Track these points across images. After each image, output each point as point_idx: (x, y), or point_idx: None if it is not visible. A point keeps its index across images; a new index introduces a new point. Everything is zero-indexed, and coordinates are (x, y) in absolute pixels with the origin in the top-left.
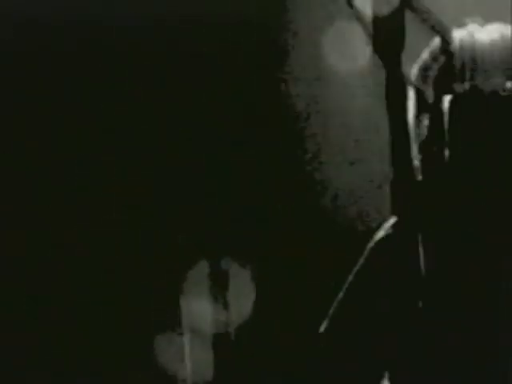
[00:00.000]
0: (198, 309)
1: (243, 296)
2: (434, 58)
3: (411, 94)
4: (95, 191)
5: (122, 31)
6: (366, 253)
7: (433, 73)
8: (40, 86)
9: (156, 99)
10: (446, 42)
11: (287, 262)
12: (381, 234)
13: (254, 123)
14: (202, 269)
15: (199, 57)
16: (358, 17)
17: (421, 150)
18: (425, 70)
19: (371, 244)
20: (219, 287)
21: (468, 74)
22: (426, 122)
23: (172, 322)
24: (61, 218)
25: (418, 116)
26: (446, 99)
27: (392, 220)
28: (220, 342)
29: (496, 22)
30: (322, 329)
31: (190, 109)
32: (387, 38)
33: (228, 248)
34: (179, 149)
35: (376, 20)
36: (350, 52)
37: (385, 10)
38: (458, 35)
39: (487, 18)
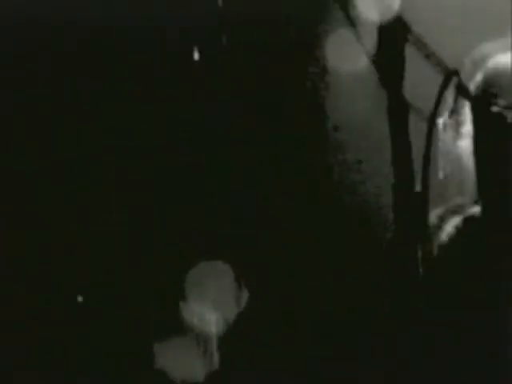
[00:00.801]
0: (198, 309)
1: (242, 296)
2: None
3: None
4: (95, 191)
5: (121, 31)
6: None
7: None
8: (40, 86)
9: (156, 99)
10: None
11: (287, 261)
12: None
13: (255, 123)
14: (202, 269)
15: (199, 57)
16: (355, 28)
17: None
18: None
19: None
20: (219, 287)
21: None
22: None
23: (172, 322)
24: (61, 218)
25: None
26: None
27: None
28: (220, 342)
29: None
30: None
31: (190, 109)
32: (388, 62)
33: (228, 248)
34: (179, 149)
35: (380, 39)
36: (351, 54)
37: (387, 34)
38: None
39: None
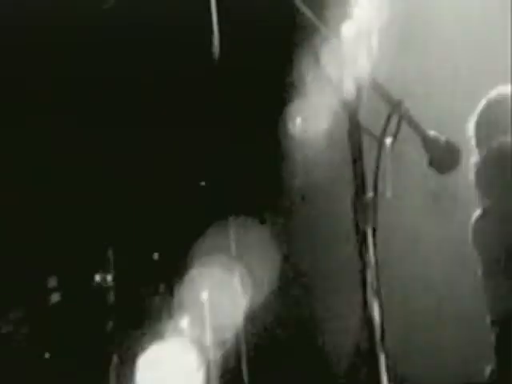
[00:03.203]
0: (197, 313)
1: (242, 297)
2: None
3: None
4: (95, 191)
5: (122, 31)
6: None
7: None
8: (40, 87)
9: (156, 99)
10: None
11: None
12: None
13: (254, 125)
14: (200, 271)
15: (199, 58)
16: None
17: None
18: None
19: None
20: (217, 291)
21: None
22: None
23: (171, 326)
24: (60, 217)
25: None
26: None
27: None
28: (219, 345)
29: None
30: None
31: (190, 109)
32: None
33: (227, 247)
34: (179, 149)
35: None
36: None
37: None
38: None
39: None
